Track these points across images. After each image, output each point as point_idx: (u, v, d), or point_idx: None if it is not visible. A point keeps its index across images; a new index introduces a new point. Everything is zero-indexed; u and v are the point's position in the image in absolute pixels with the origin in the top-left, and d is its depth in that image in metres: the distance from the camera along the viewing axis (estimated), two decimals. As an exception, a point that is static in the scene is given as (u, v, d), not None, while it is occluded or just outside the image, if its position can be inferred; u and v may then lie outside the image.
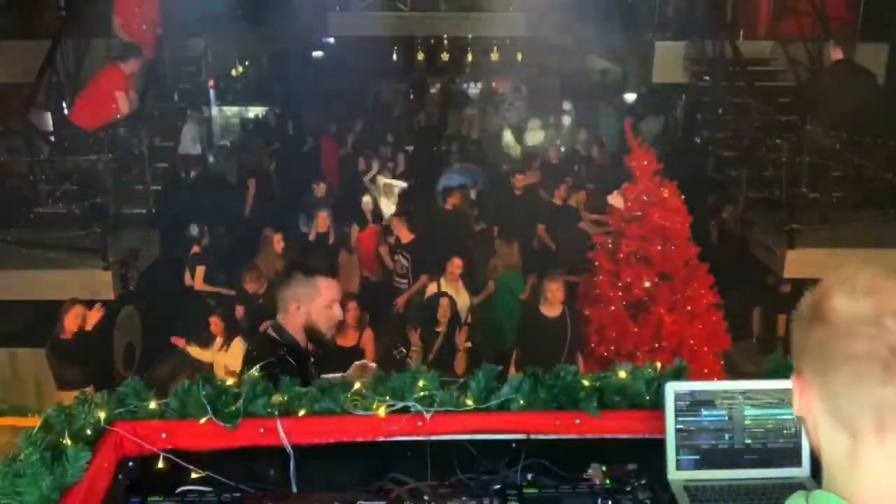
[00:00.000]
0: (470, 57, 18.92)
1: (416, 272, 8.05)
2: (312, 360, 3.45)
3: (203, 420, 2.19)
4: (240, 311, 7.42)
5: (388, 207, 10.17)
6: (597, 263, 6.87)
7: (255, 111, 15.14)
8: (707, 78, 9.35)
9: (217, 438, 2.19)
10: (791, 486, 2.11)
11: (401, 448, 2.25)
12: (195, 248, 8.35)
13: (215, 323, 7.03)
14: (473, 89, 18.07)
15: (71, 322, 6.60)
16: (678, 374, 2.33)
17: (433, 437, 2.23)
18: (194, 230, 8.43)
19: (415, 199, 10.36)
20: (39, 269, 6.98)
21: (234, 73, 15.19)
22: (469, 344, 6.66)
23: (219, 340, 6.95)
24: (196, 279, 8.23)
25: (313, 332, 3.45)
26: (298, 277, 3.50)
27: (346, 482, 2.20)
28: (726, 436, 2.16)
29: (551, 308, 6.66)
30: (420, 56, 18.72)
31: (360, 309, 6.86)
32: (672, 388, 2.17)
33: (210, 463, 2.19)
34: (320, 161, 12.33)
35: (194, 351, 7.10)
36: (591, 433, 2.25)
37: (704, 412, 2.16)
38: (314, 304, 3.42)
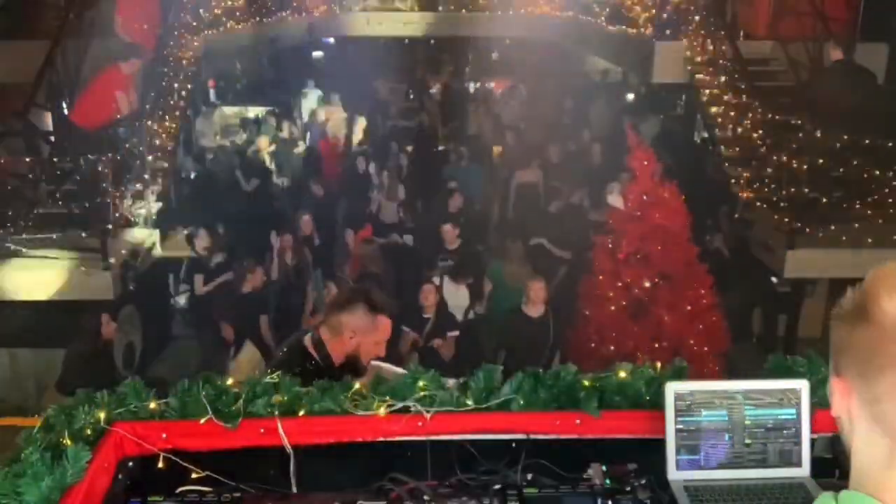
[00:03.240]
0: (470, 57, 18.90)
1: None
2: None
3: (203, 420, 2.18)
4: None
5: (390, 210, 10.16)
6: (597, 263, 6.87)
7: (255, 111, 15.11)
8: (707, 78, 9.35)
9: (217, 438, 2.19)
10: (791, 486, 2.12)
11: (401, 448, 2.25)
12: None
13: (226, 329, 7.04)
14: (473, 89, 18.05)
15: (108, 330, 6.63)
16: (678, 374, 2.33)
17: (433, 437, 2.23)
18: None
19: (413, 197, 10.35)
20: (39, 269, 6.97)
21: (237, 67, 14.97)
22: (456, 333, 6.67)
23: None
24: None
25: (351, 361, 3.45)
26: (363, 310, 3.44)
27: (346, 482, 2.19)
28: (726, 436, 2.16)
29: (534, 308, 6.66)
30: (420, 56, 18.69)
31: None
32: (672, 388, 2.17)
33: (210, 463, 2.18)
34: (320, 161, 12.30)
35: None
36: (591, 433, 2.25)
37: (704, 412, 2.16)
38: (367, 339, 3.43)
